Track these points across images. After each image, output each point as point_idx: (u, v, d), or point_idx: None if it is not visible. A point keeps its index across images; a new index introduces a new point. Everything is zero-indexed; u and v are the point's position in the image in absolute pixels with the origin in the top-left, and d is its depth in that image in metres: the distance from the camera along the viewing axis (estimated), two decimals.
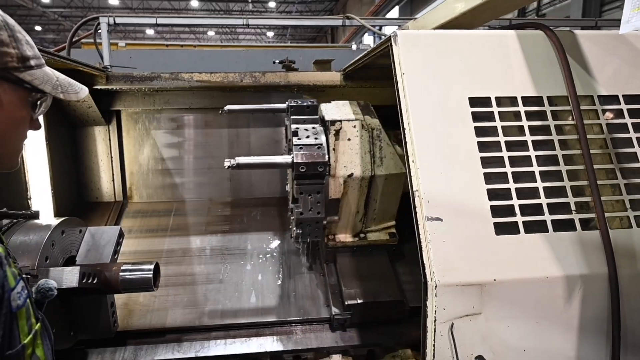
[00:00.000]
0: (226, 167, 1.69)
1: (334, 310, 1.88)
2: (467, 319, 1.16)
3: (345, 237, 2.05)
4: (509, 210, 1.25)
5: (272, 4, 20.90)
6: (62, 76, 0.96)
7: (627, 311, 1.20)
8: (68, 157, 2.42)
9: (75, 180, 2.49)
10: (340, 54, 5.46)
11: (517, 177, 1.29)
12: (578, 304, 1.19)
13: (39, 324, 0.86)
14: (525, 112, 1.36)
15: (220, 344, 1.82)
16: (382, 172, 1.88)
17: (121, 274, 1.49)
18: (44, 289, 1.03)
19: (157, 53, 5.84)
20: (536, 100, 1.38)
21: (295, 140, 1.79)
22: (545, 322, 1.19)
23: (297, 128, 1.86)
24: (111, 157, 2.54)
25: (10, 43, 0.83)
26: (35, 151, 2.05)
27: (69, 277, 1.37)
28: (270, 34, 24.85)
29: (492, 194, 1.26)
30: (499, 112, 1.35)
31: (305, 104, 2.00)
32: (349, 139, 1.84)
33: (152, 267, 1.52)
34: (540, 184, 1.29)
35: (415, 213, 1.22)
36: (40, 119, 0.98)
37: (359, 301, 1.87)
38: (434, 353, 1.15)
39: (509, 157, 1.31)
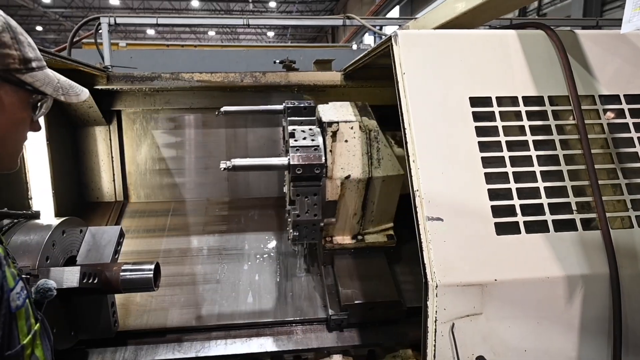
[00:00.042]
0: (222, 169, 1.68)
1: (331, 310, 1.88)
2: (467, 319, 1.16)
3: (342, 239, 2.03)
4: (510, 210, 1.25)
5: (272, 4, 20.90)
6: (63, 78, 0.97)
7: (628, 311, 1.20)
8: (69, 157, 2.42)
9: (76, 180, 2.49)
10: (341, 54, 5.46)
11: (518, 177, 1.29)
12: (579, 304, 1.19)
13: (38, 325, 0.86)
14: (526, 111, 1.36)
15: (221, 344, 1.82)
16: (379, 173, 1.87)
17: (122, 274, 1.49)
18: (43, 289, 1.03)
19: (158, 53, 5.84)
20: (537, 100, 1.38)
21: (291, 142, 1.78)
22: (546, 322, 1.19)
23: (294, 129, 1.85)
24: (112, 157, 2.54)
25: (12, 45, 0.83)
26: (36, 151, 2.06)
27: (70, 277, 1.37)
28: (270, 33, 24.85)
29: (493, 194, 1.26)
30: (500, 112, 1.35)
31: (302, 105, 1.99)
32: (346, 141, 1.83)
33: (152, 267, 1.52)
34: (541, 184, 1.28)
35: (416, 213, 1.22)
36: (41, 120, 0.98)
37: (356, 302, 1.86)
38: (434, 353, 1.15)
39: (509, 157, 1.30)
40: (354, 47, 8.40)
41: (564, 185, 1.29)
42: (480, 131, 1.32)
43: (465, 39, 1.42)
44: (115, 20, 4.02)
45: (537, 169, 1.30)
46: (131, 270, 1.50)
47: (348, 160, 1.83)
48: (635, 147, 1.35)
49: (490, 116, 1.35)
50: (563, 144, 1.34)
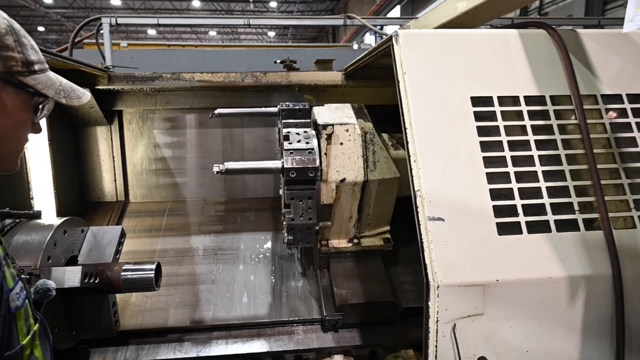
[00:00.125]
0: (215, 172, 1.67)
1: (326, 311, 1.87)
2: (469, 320, 1.15)
3: (338, 243, 2.01)
4: (512, 210, 1.24)
5: (273, 4, 20.90)
6: (65, 81, 0.97)
7: (631, 312, 1.19)
8: (70, 157, 2.42)
9: (78, 180, 2.49)
10: (342, 54, 5.45)
11: (520, 176, 1.28)
12: (581, 305, 1.19)
13: (37, 325, 0.86)
14: (528, 111, 1.35)
15: (222, 344, 1.82)
16: (375, 176, 1.85)
17: (123, 273, 1.49)
18: (42, 290, 1.03)
19: (159, 53, 5.85)
20: (539, 100, 1.37)
21: (286, 145, 1.76)
22: (549, 323, 1.18)
23: (289, 132, 1.83)
24: (113, 157, 2.54)
25: (15, 47, 0.84)
26: (37, 151, 2.06)
27: (71, 276, 1.37)
28: (271, 33, 24.86)
29: (495, 194, 1.25)
30: (501, 112, 1.35)
31: (297, 107, 1.98)
32: (341, 143, 1.81)
33: (153, 267, 1.53)
34: (543, 184, 1.28)
35: (417, 213, 1.22)
36: (42, 121, 0.99)
37: (351, 302, 1.85)
38: (436, 354, 1.15)
39: (511, 156, 1.30)
40: (355, 46, 8.40)
41: (566, 185, 1.29)
42: (481, 131, 1.32)
43: (467, 38, 1.42)
44: (116, 21, 4.03)
45: (539, 168, 1.30)
46: (132, 270, 1.51)
47: (343, 163, 1.81)
48: (637, 146, 1.35)
49: (492, 116, 1.34)
50: (565, 144, 1.33)
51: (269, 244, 2.31)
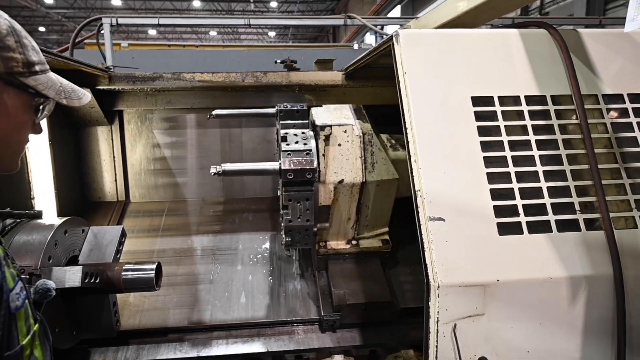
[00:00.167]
0: (212, 173, 1.67)
1: (323, 311, 1.86)
2: (470, 320, 1.15)
3: (337, 244, 2.00)
4: (512, 210, 1.24)
5: (273, 4, 20.91)
6: (65, 82, 0.98)
7: (632, 312, 1.19)
8: (71, 157, 2.43)
9: (78, 180, 2.49)
10: (342, 54, 5.46)
11: (521, 176, 1.28)
12: (582, 305, 1.18)
13: (37, 325, 0.86)
14: (529, 111, 1.35)
15: (222, 344, 1.82)
16: (373, 178, 1.84)
17: (123, 273, 1.49)
18: (42, 290, 1.03)
19: (160, 53, 5.86)
20: (539, 100, 1.37)
21: (283, 146, 1.75)
22: (549, 323, 1.18)
23: (286, 133, 1.82)
24: (114, 157, 2.54)
25: (16, 48, 0.84)
26: (38, 151, 2.06)
27: (72, 276, 1.37)
28: (272, 33, 24.86)
29: (495, 194, 1.25)
30: (502, 112, 1.34)
31: (294, 108, 1.96)
32: (339, 144, 1.80)
33: (154, 266, 1.53)
34: (544, 184, 1.28)
35: (418, 213, 1.21)
36: (42, 122, 0.99)
37: (349, 302, 1.85)
38: (436, 354, 1.15)
39: (512, 156, 1.30)
40: (355, 46, 8.40)
41: (567, 185, 1.28)
42: (482, 131, 1.31)
43: (467, 38, 1.42)
44: (117, 21, 4.04)
45: (539, 168, 1.29)
46: (133, 270, 1.51)
47: (341, 164, 1.80)
48: (639, 146, 1.34)
49: (492, 116, 1.34)
50: (566, 144, 1.33)
51: (267, 244, 2.30)
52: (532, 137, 1.33)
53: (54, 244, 1.43)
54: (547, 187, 1.27)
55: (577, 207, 1.26)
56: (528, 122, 1.34)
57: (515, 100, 1.37)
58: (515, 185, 1.27)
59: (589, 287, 1.18)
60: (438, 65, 1.37)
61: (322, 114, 1.91)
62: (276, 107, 2.01)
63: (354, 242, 2.01)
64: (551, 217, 1.24)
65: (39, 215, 1.52)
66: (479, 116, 1.33)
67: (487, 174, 1.27)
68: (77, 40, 3.44)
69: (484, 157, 1.28)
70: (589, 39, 1.43)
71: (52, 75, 0.94)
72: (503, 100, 1.36)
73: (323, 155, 1.79)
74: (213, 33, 24.36)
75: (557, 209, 1.26)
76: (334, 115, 1.92)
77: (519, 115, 1.35)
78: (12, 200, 1.88)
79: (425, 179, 1.23)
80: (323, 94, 2.50)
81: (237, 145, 2.64)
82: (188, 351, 1.79)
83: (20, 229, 1.42)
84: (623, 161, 1.32)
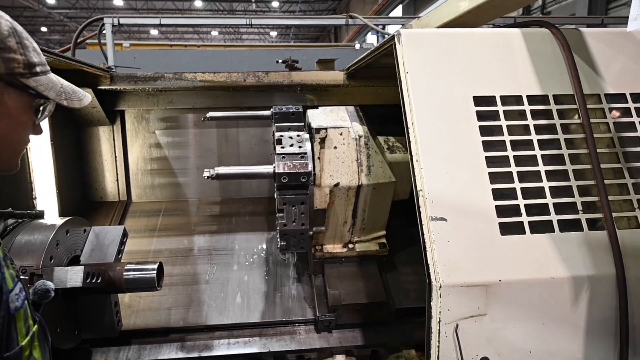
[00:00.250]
0: (205, 177, 1.66)
1: (319, 311, 1.86)
2: (472, 320, 1.15)
3: (333, 248, 1.98)
4: (515, 210, 1.24)
5: (275, 4, 20.91)
6: (66, 83, 0.98)
7: (635, 312, 1.18)
8: (73, 157, 2.43)
9: (80, 180, 2.50)
10: (344, 53, 5.46)
11: (523, 176, 1.28)
12: (585, 306, 1.18)
13: (36, 326, 0.85)
14: (531, 110, 1.35)
15: (224, 344, 1.82)
16: (369, 181, 1.82)
17: (125, 273, 1.50)
18: (41, 291, 1.03)
19: (161, 53, 5.87)
20: (542, 99, 1.36)
21: (278, 149, 1.74)
22: (552, 323, 1.18)
23: (281, 136, 1.81)
24: (115, 157, 2.55)
25: (17, 49, 0.84)
26: (40, 151, 2.07)
27: (73, 276, 1.38)
28: (273, 33, 24.87)
29: (497, 194, 1.25)
30: (504, 111, 1.34)
31: (290, 110, 1.95)
32: (335, 147, 1.78)
33: (155, 266, 1.53)
34: (546, 184, 1.27)
35: (419, 213, 1.21)
36: (42, 123, 0.99)
37: (344, 302, 1.84)
38: (438, 354, 1.14)
39: (514, 156, 1.29)
40: (357, 46, 8.39)
41: (570, 184, 1.28)
42: (484, 130, 1.31)
43: (469, 37, 1.41)
44: (118, 21, 4.04)
45: (542, 168, 1.29)
46: (134, 270, 1.51)
47: (337, 167, 1.79)
48: None
49: (494, 115, 1.33)
50: (568, 143, 1.32)
51: (263, 245, 2.30)
52: (534, 137, 1.32)
53: (55, 244, 1.43)
54: (550, 187, 1.27)
55: (579, 207, 1.26)
56: (530, 122, 1.33)
57: (517, 99, 1.36)
58: (517, 185, 1.26)
59: (592, 288, 1.18)
60: (440, 64, 1.36)
61: (318, 116, 1.90)
62: (272, 110, 1.99)
63: (350, 245, 2.00)
64: (553, 217, 1.24)
65: (40, 215, 1.52)
66: (480, 116, 1.32)
67: (489, 173, 1.26)
68: (79, 41, 3.45)
69: (486, 157, 1.28)
70: (591, 38, 1.42)
71: (52, 76, 0.94)
72: (505, 99, 1.35)
73: (318, 158, 1.77)
74: (215, 33, 24.38)
75: (560, 208, 1.25)
76: (330, 117, 1.90)
77: (521, 115, 1.35)
78: (13, 200, 1.88)
79: (427, 179, 1.23)
80: (325, 94, 2.50)
81: (234, 145, 2.64)
82: (189, 351, 1.79)
83: (22, 229, 1.42)
84: (625, 161, 1.32)
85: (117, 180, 2.56)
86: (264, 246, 2.29)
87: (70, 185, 2.34)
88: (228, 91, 2.48)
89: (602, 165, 1.28)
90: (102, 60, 3.74)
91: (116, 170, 2.55)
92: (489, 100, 1.35)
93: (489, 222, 1.21)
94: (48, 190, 2.10)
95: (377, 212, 1.96)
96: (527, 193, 1.26)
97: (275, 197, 1.76)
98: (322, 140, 1.77)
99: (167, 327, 1.88)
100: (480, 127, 1.31)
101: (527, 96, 1.36)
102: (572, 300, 1.18)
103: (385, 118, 2.16)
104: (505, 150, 1.30)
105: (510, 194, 1.25)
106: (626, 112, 1.37)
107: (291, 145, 1.77)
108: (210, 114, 2.13)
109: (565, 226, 1.23)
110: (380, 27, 4.54)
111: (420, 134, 1.28)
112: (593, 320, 1.18)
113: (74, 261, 1.56)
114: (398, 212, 2.05)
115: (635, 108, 1.37)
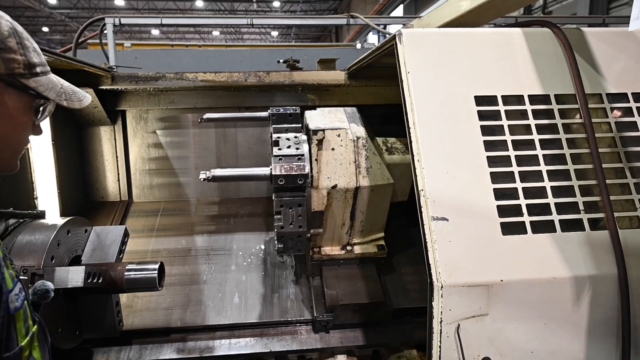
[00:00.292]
0: (201, 179, 1.65)
1: (316, 311, 1.85)
2: (473, 320, 1.15)
3: (331, 250, 1.97)
4: (516, 210, 1.23)
5: (276, 4, 20.92)
6: (66, 84, 0.98)
7: (637, 312, 1.18)
8: (74, 157, 2.44)
9: (81, 180, 2.50)
10: (345, 53, 5.46)
11: (524, 176, 1.27)
12: (587, 305, 1.18)
13: (36, 326, 0.86)
14: (532, 110, 1.34)
15: (225, 344, 1.83)
16: (367, 183, 1.80)
17: (126, 273, 1.50)
18: (40, 291, 1.03)
19: (162, 53, 5.88)
20: (543, 99, 1.36)
21: (275, 151, 1.73)
22: (553, 323, 1.18)
23: (279, 137, 1.80)
24: (116, 156, 2.55)
25: (17, 50, 0.84)
26: (41, 151, 2.07)
27: (75, 276, 1.38)
28: (274, 33, 24.88)
29: (499, 194, 1.24)
30: (506, 111, 1.34)
31: (287, 112, 1.94)
32: (332, 149, 1.77)
33: (156, 266, 1.53)
34: (547, 184, 1.27)
35: (421, 213, 1.21)
36: (43, 123, 0.99)
37: (341, 302, 1.83)
38: (439, 354, 1.14)
39: (515, 156, 1.29)
40: (358, 46, 8.39)
41: (571, 184, 1.28)
42: (485, 130, 1.31)
43: (470, 37, 1.41)
44: (120, 21, 4.05)
45: (543, 168, 1.29)
46: (135, 270, 1.51)
47: (335, 169, 1.77)
48: None
49: (496, 115, 1.33)
50: (570, 143, 1.32)
51: (262, 245, 2.30)
52: (535, 137, 1.32)
53: (56, 244, 1.43)
54: (551, 187, 1.27)
55: (581, 206, 1.26)
56: (532, 122, 1.33)
57: (519, 99, 1.36)
58: (518, 185, 1.26)
59: (593, 287, 1.18)
60: (441, 64, 1.36)
61: (315, 118, 1.89)
62: (269, 111, 1.99)
63: (348, 247, 1.99)
64: (555, 217, 1.24)
65: (41, 215, 1.52)
66: (482, 115, 1.32)
67: (491, 173, 1.26)
68: (80, 41, 3.45)
69: (487, 157, 1.28)
70: (592, 38, 1.42)
71: (52, 76, 0.94)
72: (506, 99, 1.35)
73: (316, 159, 1.76)
74: (216, 33, 24.40)
75: (561, 208, 1.25)
76: (328, 118, 1.89)
77: (523, 114, 1.34)
78: (15, 200, 1.89)
79: (429, 179, 1.23)
80: (326, 94, 2.50)
81: (233, 145, 2.64)
82: (190, 351, 1.79)
83: (23, 228, 1.42)
84: (627, 160, 1.31)
85: (119, 180, 2.56)
86: (262, 247, 2.29)
87: (72, 185, 2.35)
88: (229, 91, 2.48)
89: (604, 165, 1.27)
90: (103, 60, 3.75)
91: (117, 170, 2.55)
92: (491, 99, 1.35)
93: (491, 222, 1.21)
94: (49, 190, 2.11)
95: (375, 214, 1.95)
96: (528, 193, 1.26)
97: (273, 198, 1.76)
98: (320, 142, 1.76)
99: (167, 327, 1.88)
100: (481, 126, 1.31)
101: (529, 96, 1.36)
102: (573, 300, 1.17)
103: (387, 118, 2.16)
104: (507, 150, 1.29)
105: (512, 193, 1.25)
106: (628, 111, 1.37)
107: (288, 147, 1.76)
108: (207, 115, 2.12)
109: (567, 226, 1.23)
110: (382, 26, 4.54)
111: (422, 133, 1.28)
112: (595, 320, 1.18)
113: (75, 261, 1.56)
114: (397, 212, 2.05)
115: (636, 107, 1.37)
